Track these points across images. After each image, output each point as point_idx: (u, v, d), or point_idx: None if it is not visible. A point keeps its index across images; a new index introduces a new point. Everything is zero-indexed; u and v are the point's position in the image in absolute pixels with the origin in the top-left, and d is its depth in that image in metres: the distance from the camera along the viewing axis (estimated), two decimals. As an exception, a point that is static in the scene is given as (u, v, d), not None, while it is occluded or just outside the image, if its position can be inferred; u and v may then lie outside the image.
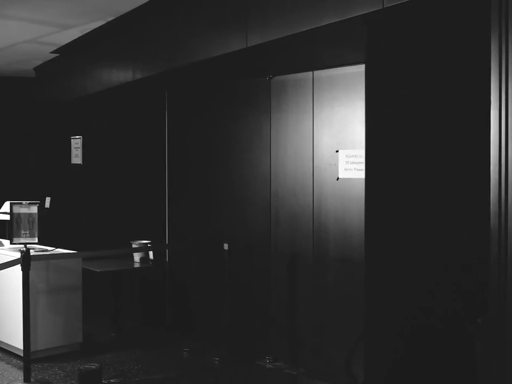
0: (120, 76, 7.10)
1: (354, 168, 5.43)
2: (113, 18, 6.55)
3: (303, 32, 4.44)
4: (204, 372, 5.99)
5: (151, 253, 7.27)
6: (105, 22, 6.72)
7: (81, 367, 5.02)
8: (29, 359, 5.49)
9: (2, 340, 6.50)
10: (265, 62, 5.88)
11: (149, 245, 7.15)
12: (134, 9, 6.22)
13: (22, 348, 5.62)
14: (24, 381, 5.44)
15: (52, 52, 8.35)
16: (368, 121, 5.00)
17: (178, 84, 7.18)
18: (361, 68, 5.38)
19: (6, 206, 8.39)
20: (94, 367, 4.95)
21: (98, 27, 6.91)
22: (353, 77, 5.48)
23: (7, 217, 7.94)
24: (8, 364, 6.14)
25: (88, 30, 7.06)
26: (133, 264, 7.15)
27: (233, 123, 6.60)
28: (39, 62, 9.15)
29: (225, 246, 6.25)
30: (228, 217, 6.68)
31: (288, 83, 6.03)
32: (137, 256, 7.21)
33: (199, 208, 7.05)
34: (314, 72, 5.76)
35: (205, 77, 6.74)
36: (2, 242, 7.59)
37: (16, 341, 6.15)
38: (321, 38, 4.71)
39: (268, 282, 6.27)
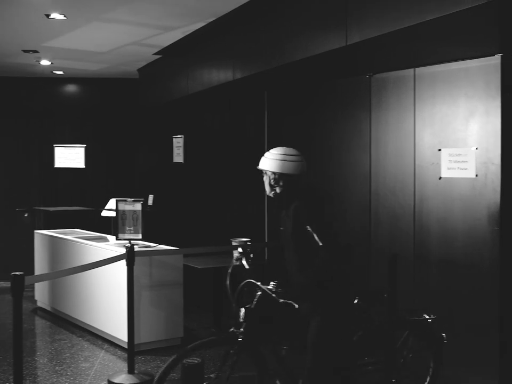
0: (221, 75, 7.20)
1: (458, 168, 5.28)
2: (214, 19, 6.66)
3: (405, 28, 4.36)
4: (302, 370, 5.97)
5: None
6: (205, 23, 6.84)
7: (184, 361, 5.11)
8: (133, 351, 5.67)
9: (108, 332, 6.74)
10: (365, 59, 5.82)
11: (248, 243, 7.21)
12: (233, 10, 6.30)
13: (126, 340, 5.81)
14: (128, 372, 5.62)
15: (154, 54, 8.59)
16: (505, 117, 4.87)
17: (277, 83, 7.21)
18: (464, 64, 5.23)
19: (112, 203, 8.72)
20: (196, 361, 5.02)
21: (199, 28, 7.05)
22: (456, 74, 5.33)
23: (113, 214, 8.25)
24: (113, 355, 6.37)
25: (190, 32, 7.21)
26: (232, 261, 7.22)
27: (333, 122, 6.56)
28: (142, 64, 9.43)
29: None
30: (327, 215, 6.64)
31: (389, 81, 5.93)
32: (236, 254, 7.28)
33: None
34: (416, 69, 5.64)
35: (304, 76, 6.73)
36: (108, 238, 7.89)
37: (121, 333, 6.37)
38: (424, 34, 4.61)
39: (366, 282, 6.19)
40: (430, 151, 5.54)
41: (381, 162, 6.02)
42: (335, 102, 6.56)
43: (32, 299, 8.56)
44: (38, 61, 9.13)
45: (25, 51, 8.44)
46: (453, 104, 5.36)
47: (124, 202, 6.06)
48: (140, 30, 7.23)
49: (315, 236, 3.82)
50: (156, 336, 6.52)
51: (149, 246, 6.73)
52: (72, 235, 8.02)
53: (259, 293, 3.99)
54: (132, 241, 5.88)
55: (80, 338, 6.94)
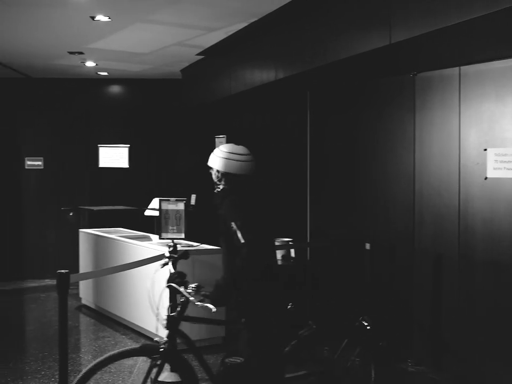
0: (263, 75, 7.20)
1: (505, 168, 5.18)
2: (256, 19, 6.66)
3: (451, 26, 4.30)
4: (344, 371, 5.95)
5: (292, 251, 7.32)
6: (248, 24, 6.85)
7: (226, 360, 5.12)
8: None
9: (151, 330, 6.80)
10: (409, 58, 5.75)
11: (290, 243, 7.21)
12: (276, 10, 6.29)
13: (169, 339, 5.84)
14: (171, 370, 5.65)
15: (197, 54, 8.63)
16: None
17: (320, 83, 7.18)
18: (511, 62, 5.13)
19: (155, 203, 8.79)
20: (239, 360, 5.03)
21: (241, 28, 7.06)
22: (502, 72, 5.23)
23: (156, 213, 8.32)
24: (156, 353, 6.42)
25: (232, 32, 7.23)
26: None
27: (377, 122, 6.51)
28: (185, 64, 9.49)
29: (367, 246, 6.17)
30: (370, 216, 6.59)
31: (433, 80, 5.85)
32: (279, 254, 7.28)
33: (340, 207, 7.02)
34: (461, 67, 5.55)
35: (347, 75, 6.69)
36: (151, 237, 7.96)
37: (164, 332, 6.39)
38: (469, 32, 4.53)
39: (410, 282, 6.12)
40: (476, 151, 5.45)
41: (425, 162, 5.95)
42: (378, 102, 6.50)
43: (77, 297, 8.70)
44: (83, 62, 9.27)
45: (70, 53, 8.58)
46: (500, 103, 5.26)
47: (167, 201, 6.09)
48: (184, 31, 7.28)
49: (238, 233, 3.60)
50: (198, 335, 6.53)
51: (192, 245, 6.77)
52: (116, 234, 8.12)
53: (182, 299, 3.82)
54: (174, 241, 5.91)
55: (124, 336, 7.02)
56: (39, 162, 10.83)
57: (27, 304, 8.47)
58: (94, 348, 6.61)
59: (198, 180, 10.20)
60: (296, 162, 7.70)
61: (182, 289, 3.78)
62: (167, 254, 4.31)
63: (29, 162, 10.82)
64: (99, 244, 8.12)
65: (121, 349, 3.81)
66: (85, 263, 8.54)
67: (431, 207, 5.88)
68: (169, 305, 3.92)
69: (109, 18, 6.65)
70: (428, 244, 5.92)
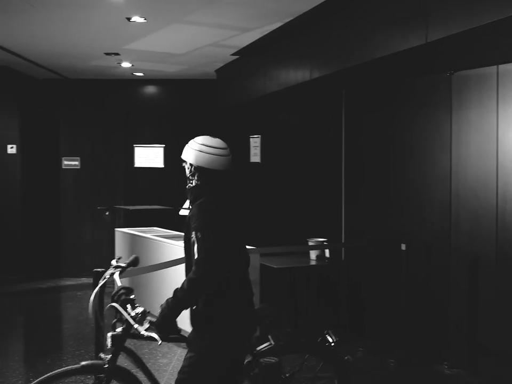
0: (298, 75, 7.19)
1: (544, 167, 5.09)
2: (291, 19, 6.65)
3: (488, 24, 4.23)
4: (379, 372, 5.92)
5: (327, 251, 7.30)
6: (283, 23, 6.84)
7: (262, 360, 5.12)
8: (209, 349, 5.71)
9: (185, 329, 6.82)
10: (446, 57, 5.68)
11: (325, 243, 7.18)
12: (311, 9, 6.27)
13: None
14: None
15: (232, 54, 8.65)
16: None
17: (355, 82, 7.14)
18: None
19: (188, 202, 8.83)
20: (273, 360, 5.02)
21: (276, 28, 7.05)
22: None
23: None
24: (190, 352, 6.44)
25: (267, 32, 7.22)
26: (309, 261, 7.21)
27: (413, 121, 6.45)
28: (220, 65, 9.52)
29: (403, 246, 6.12)
30: (405, 216, 6.54)
31: (470, 79, 5.77)
32: (313, 254, 7.27)
33: (376, 207, 6.97)
34: (499, 66, 5.46)
35: (383, 74, 6.64)
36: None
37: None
38: (508, 30, 4.46)
39: (446, 283, 6.05)
40: (514, 150, 5.36)
41: (462, 162, 5.87)
42: (415, 101, 6.44)
43: (112, 295, 8.78)
44: (119, 63, 9.36)
45: (107, 54, 8.67)
46: (539, 101, 5.17)
47: (201, 201, 6.10)
48: (219, 31, 7.30)
49: (195, 245, 3.19)
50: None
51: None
52: (151, 233, 8.18)
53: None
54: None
55: (159, 335, 7.06)
56: (76, 162, 10.97)
57: (64, 302, 8.59)
58: (129, 346, 6.66)
59: (233, 180, 10.23)
60: (330, 161, 7.67)
61: (125, 313, 3.44)
62: (114, 263, 3.97)
63: (66, 162, 10.97)
64: (134, 243, 8.19)
65: (62, 369, 3.50)
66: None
67: (468, 207, 5.81)
68: (114, 322, 3.58)
69: (145, 19, 6.71)
70: (464, 243, 5.85)
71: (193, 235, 3.23)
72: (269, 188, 9.14)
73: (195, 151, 3.49)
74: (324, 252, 7.29)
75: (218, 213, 3.30)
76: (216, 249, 3.15)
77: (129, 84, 10.96)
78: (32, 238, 10.59)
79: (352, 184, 7.35)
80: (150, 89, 11.11)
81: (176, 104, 10.97)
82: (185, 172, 3.60)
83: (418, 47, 5.01)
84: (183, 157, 3.55)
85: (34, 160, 10.71)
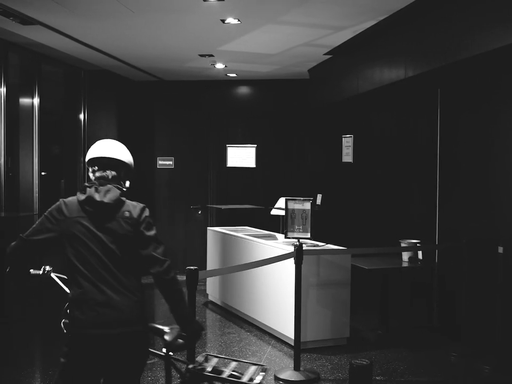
0: (392, 74, 7.08)
1: None
2: (385, 17, 6.56)
3: None
4: (472, 379, 5.74)
5: (420, 253, 7.15)
6: (376, 22, 6.76)
7: (353, 362, 5.08)
8: (299, 349, 5.73)
9: (275, 328, 6.87)
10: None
11: (418, 245, 7.03)
12: (405, 7, 6.17)
13: (292, 338, 5.88)
14: (294, 369, 5.68)
15: (325, 54, 8.62)
16: None
17: (451, 80, 6.95)
18: None
19: (281, 202, 8.87)
20: (365, 362, 4.96)
21: (370, 27, 6.97)
22: None
23: (282, 212, 8.39)
24: (280, 351, 6.47)
25: (360, 30, 7.15)
26: (401, 263, 7.08)
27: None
28: (312, 64, 9.50)
29: (500, 249, 5.90)
30: (504, 218, 6.30)
31: None
32: (405, 255, 7.13)
33: (471, 208, 6.76)
34: None
35: (481, 71, 6.43)
36: (276, 236, 8.03)
37: (288, 330, 6.45)
38: None
39: None
40: None
41: None
42: (514, 99, 6.20)
43: (204, 293, 8.93)
44: (213, 64, 9.50)
45: (201, 55, 8.82)
46: None
47: (293, 201, 6.12)
48: (312, 31, 7.29)
49: (161, 247, 3.40)
50: (322, 335, 6.53)
51: (317, 245, 6.77)
52: (242, 232, 8.25)
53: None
54: (300, 240, 5.93)
55: (248, 333, 7.13)
56: (170, 162, 11.23)
57: (157, 298, 8.77)
58: (220, 343, 6.76)
59: (325, 179, 10.19)
60: (424, 161, 7.50)
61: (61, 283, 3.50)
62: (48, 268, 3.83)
63: (160, 162, 11.24)
64: (226, 241, 8.29)
65: None
66: (212, 260, 8.75)
67: None
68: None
69: (239, 20, 6.78)
70: None
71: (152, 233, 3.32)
72: (361, 188, 9.05)
73: (129, 154, 3.42)
74: (416, 254, 7.14)
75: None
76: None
77: (223, 84, 11.11)
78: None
79: (447, 185, 7.16)
80: (243, 90, 11.22)
81: (268, 104, 11.03)
82: (113, 174, 3.33)
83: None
84: (120, 157, 3.34)
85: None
